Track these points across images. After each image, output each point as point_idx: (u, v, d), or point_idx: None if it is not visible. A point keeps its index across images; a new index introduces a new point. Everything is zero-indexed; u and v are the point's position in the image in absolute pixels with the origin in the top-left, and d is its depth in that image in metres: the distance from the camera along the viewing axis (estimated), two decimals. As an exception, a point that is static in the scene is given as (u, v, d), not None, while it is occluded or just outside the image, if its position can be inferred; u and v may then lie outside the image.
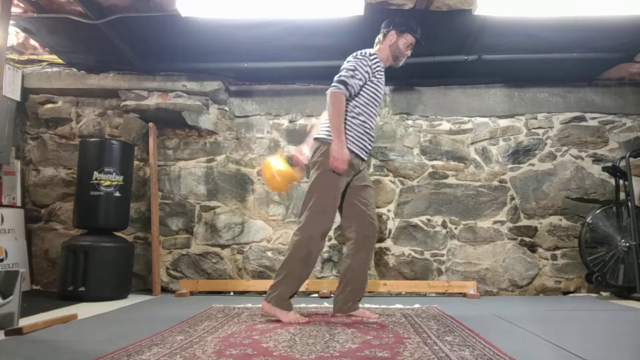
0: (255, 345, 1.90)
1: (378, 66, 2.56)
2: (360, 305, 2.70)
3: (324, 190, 2.48)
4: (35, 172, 4.05)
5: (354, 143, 2.51)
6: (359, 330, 2.22)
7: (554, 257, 3.79)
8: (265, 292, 2.53)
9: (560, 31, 3.18)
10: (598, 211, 3.63)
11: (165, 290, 3.81)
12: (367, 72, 2.50)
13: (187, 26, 3.12)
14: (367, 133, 2.58)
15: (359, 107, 2.52)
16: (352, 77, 2.46)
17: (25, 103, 4.01)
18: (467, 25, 3.13)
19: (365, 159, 2.62)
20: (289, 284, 2.47)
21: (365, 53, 2.53)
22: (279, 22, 3.06)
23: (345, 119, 2.49)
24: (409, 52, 2.64)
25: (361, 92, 2.53)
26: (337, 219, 2.62)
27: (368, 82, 2.53)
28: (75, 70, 3.93)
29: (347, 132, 2.50)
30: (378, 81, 2.57)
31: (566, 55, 3.46)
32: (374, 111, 2.58)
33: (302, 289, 3.63)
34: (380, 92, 2.60)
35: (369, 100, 2.55)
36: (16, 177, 3.91)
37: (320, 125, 2.60)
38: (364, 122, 2.54)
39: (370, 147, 2.63)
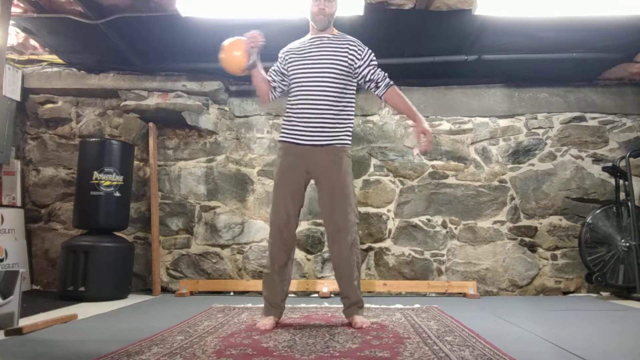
0: (255, 345, 1.90)
1: (286, 54, 2.55)
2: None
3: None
4: (35, 172, 4.05)
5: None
6: (359, 330, 2.22)
7: (554, 257, 3.79)
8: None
9: (560, 31, 3.18)
10: (598, 211, 3.63)
11: (165, 290, 3.81)
12: (274, 70, 2.55)
13: (187, 26, 3.12)
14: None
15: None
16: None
17: (25, 103, 4.01)
18: (467, 25, 3.13)
19: None
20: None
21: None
22: (278, 22, 3.06)
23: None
24: (316, 7, 2.44)
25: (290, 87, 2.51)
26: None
27: (286, 74, 2.53)
28: (75, 70, 3.92)
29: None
30: (292, 65, 2.50)
31: (566, 55, 3.46)
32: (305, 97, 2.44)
33: (301, 289, 3.68)
34: (299, 74, 2.46)
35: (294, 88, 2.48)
36: (16, 177, 3.91)
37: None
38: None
39: None
